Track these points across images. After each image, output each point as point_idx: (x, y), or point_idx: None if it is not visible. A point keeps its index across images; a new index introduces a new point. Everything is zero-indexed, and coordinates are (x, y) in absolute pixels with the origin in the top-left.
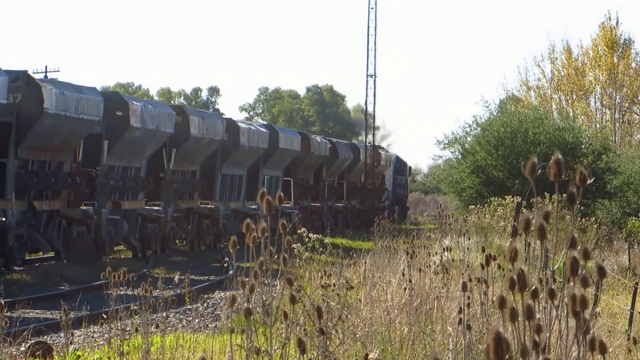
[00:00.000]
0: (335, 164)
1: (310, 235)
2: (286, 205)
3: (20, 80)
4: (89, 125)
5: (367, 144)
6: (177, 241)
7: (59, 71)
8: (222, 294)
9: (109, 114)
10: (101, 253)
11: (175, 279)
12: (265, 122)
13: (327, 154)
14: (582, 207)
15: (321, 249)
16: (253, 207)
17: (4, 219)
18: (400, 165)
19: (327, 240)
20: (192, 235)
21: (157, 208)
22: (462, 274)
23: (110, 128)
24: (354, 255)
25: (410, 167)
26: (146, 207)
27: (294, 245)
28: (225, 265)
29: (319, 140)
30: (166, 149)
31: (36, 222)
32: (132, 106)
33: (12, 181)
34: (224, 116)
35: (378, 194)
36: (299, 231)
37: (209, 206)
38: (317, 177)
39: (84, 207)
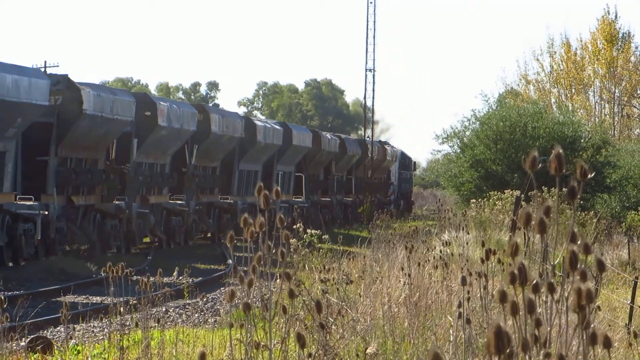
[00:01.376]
0: (343, 160)
1: (308, 230)
2: (298, 199)
3: (61, 83)
4: (122, 125)
5: (367, 138)
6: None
7: (58, 66)
8: (222, 289)
9: (138, 114)
10: (131, 245)
11: (174, 274)
12: (267, 118)
13: (336, 150)
14: (581, 201)
15: (319, 244)
16: None
17: (46, 213)
18: (405, 161)
19: (325, 236)
20: (213, 228)
21: (180, 202)
22: (462, 268)
23: (139, 127)
24: (355, 245)
25: (415, 162)
26: (170, 201)
27: (291, 240)
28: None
29: (329, 137)
30: (188, 146)
31: (74, 215)
32: (159, 106)
33: (53, 178)
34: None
35: (384, 188)
36: (295, 226)
37: (228, 201)
38: (327, 172)
39: (117, 202)
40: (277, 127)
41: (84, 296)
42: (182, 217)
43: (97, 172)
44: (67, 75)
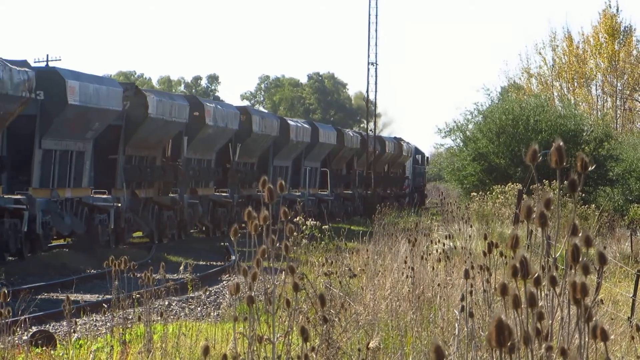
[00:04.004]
0: (364, 156)
1: (308, 222)
2: (323, 192)
3: (129, 90)
4: (178, 127)
5: (369, 131)
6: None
7: (60, 60)
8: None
9: (189, 114)
10: (183, 233)
11: (181, 268)
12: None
13: (358, 147)
14: (583, 195)
15: (320, 235)
16: (297, 194)
17: (119, 205)
18: (418, 156)
19: (325, 226)
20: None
21: (225, 194)
22: (464, 262)
23: (189, 126)
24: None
25: (427, 158)
26: (215, 193)
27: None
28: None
29: (352, 135)
30: (232, 144)
31: (137, 207)
32: (206, 107)
33: (121, 174)
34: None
35: (400, 182)
36: (297, 219)
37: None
38: (349, 167)
39: (172, 195)
40: (306, 125)
41: (85, 291)
42: (226, 208)
43: (157, 168)
44: (134, 83)
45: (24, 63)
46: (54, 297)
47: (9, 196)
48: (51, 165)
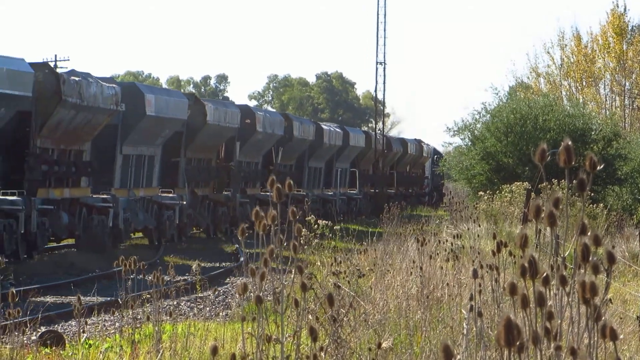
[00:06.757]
0: (389, 157)
1: (319, 222)
2: (352, 191)
3: (190, 100)
4: (231, 132)
5: (378, 131)
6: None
7: (68, 60)
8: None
9: (240, 120)
10: (235, 228)
11: (194, 267)
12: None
13: (384, 149)
14: (592, 194)
15: (330, 234)
16: (330, 193)
17: (184, 202)
18: (437, 157)
19: (336, 227)
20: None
21: (269, 194)
22: (473, 261)
23: (241, 132)
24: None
25: (445, 158)
26: (261, 192)
27: (304, 232)
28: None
29: (378, 137)
30: (275, 148)
31: (196, 204)
32: (257, 115)
33: (183, 175)
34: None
35: (420, 182)
36: (307, 218)
37: (301, 193)
38: (375, 167)
39: (225, 193)
40: (338, 130)
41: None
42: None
43: (212, 169)
44: (194, 93)
45: (111, 80)
46: (63, 297)
47: (97, 196)
48: (128, 168)
